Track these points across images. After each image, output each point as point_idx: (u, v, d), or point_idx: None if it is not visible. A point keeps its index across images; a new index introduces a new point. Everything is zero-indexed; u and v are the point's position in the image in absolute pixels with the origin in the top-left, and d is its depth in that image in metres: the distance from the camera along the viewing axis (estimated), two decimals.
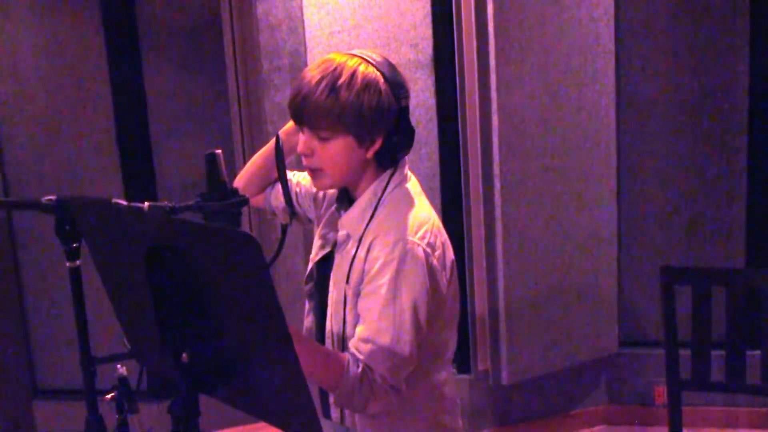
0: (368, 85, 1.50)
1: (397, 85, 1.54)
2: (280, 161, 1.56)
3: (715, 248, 3.30)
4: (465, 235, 3.13)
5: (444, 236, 1.60)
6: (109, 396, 1.62)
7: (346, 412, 1.62)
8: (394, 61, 1.58)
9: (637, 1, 3.21)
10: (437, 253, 1.55)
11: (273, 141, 1.71)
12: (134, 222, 1.23)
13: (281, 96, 2.99)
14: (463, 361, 3.25)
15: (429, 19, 3.07)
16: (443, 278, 1.57)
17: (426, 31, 3.08)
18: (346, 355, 1.51)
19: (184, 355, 1.23)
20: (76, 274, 1.49)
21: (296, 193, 1.83)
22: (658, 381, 3.29)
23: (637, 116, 3.28)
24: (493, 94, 2.96)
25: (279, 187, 1.81)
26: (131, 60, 3.14)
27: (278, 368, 1.15)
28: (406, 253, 1.50)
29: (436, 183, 3.17)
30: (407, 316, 1.51)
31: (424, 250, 1.52)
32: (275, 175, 1.79)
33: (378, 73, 1.52)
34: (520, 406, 3.36)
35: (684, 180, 3.30)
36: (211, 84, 3.16)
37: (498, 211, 3.04)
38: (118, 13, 3.11)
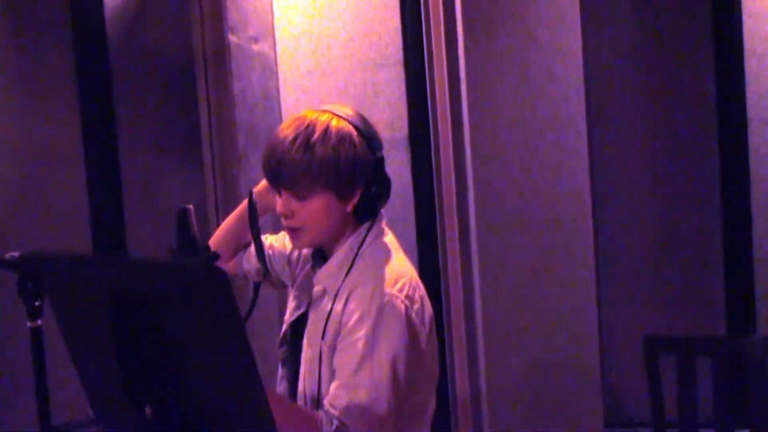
0: (343, 138, 1.50)
1: (371, 137, 1.54)
2: (253, 218, 1.53)
3: (698, 319, 3.27)
4: (444, 314, 3.07)
5: (422, 290, 1.56)
6: None
7: None
8: None
9: (607, 77, 3.29)
10: (416, 306, 1.51)
11: (246, 201, 1.68)
12: (97, 270, 1.19)
13: (256, 172, 2.98)
14: None
15: (404, 99, 3.11)
16: (423, 333, 1.52)
17: (401, 111, 3.12)
18: (320, 413, 1.44)
19: (147, 409, 1.16)
20: (37, 334, 1.44)
21: (269, 256, 1.80)
22: None
23: (613, 190, 3.31)
24: (469, 172, 2.98)
25: (251, 250, 1.77)
26: (106, 131, 3.13)
27: (249, 417, 1.08)
28: (384, 306, 1.46)
29: (414, 260, 3.13)
30: (385, 372, 1.45)
31: (403, 302, 1.48)
32: (248, 237, 1.76)
33: (351, 127, 1.52)
34: None
35: (662, 252, 3.30)
36: (187, 158, 3.15)
37: (477, 288, 3.00)
38: (94, 87, 3.12)
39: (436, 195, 3.07)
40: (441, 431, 3.09)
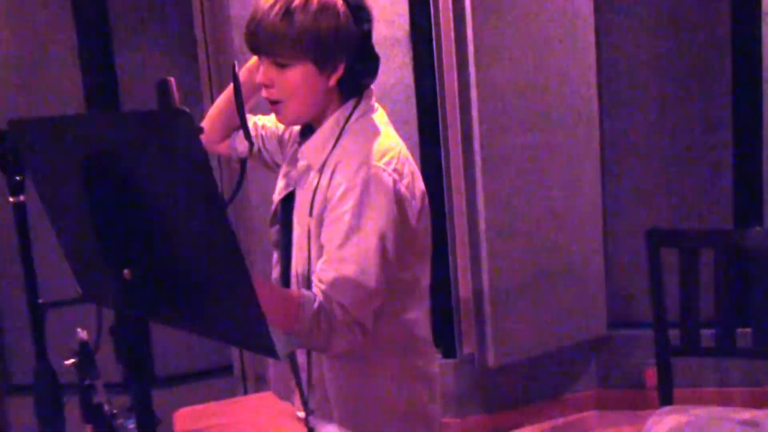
0: (325, 6, 1.44)
1: (357, 8, 1.48)
2: (237, 89, 1.48)
3: (703, 220, 3.23)
4: (447, 214, 3.05)
5: (413, 166, 1.52)
6: (69, 362, 1.54)
7: (313, 354, 1.53)
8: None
9: None
10: (405, 180, 1.47)
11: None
12: (70, 129, 1.16)
13: None
14: (448, 344, 3.15)
15: None
16: (413, 208, 1.48)
17: (402, 8, 3.03)
18: (302, 294, 1.42)
19: (126, 271, 1.14)
20: (20, 210, 1.42)
21: (261, 137, 1.76)
22: (648, 363, 3.20)
23: (620, 89, 3.24)
24: (472, 69, 2.91)
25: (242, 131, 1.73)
26: (101, 35, 3.06)
27: (224, 275, 1.06)
28: (369, 178, 1.43)
29: (416, 161, 3.09)
30: (373, 245, 1.42)
31: (391, 176, 1.44)
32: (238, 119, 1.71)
33: None
34: (507, 390, 3.26)
35: (669, 152, 3.25)
36: (183, 59, 3.09)
37: (480, 188, 2.97)
38: None
39: (438, 95, 3.01)
40: (444, 332, 3.11)
